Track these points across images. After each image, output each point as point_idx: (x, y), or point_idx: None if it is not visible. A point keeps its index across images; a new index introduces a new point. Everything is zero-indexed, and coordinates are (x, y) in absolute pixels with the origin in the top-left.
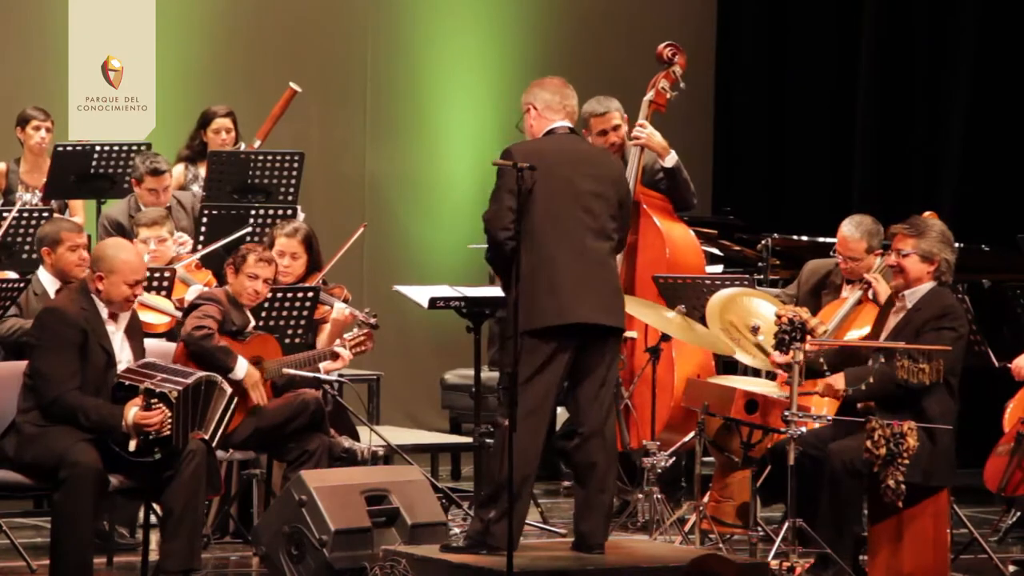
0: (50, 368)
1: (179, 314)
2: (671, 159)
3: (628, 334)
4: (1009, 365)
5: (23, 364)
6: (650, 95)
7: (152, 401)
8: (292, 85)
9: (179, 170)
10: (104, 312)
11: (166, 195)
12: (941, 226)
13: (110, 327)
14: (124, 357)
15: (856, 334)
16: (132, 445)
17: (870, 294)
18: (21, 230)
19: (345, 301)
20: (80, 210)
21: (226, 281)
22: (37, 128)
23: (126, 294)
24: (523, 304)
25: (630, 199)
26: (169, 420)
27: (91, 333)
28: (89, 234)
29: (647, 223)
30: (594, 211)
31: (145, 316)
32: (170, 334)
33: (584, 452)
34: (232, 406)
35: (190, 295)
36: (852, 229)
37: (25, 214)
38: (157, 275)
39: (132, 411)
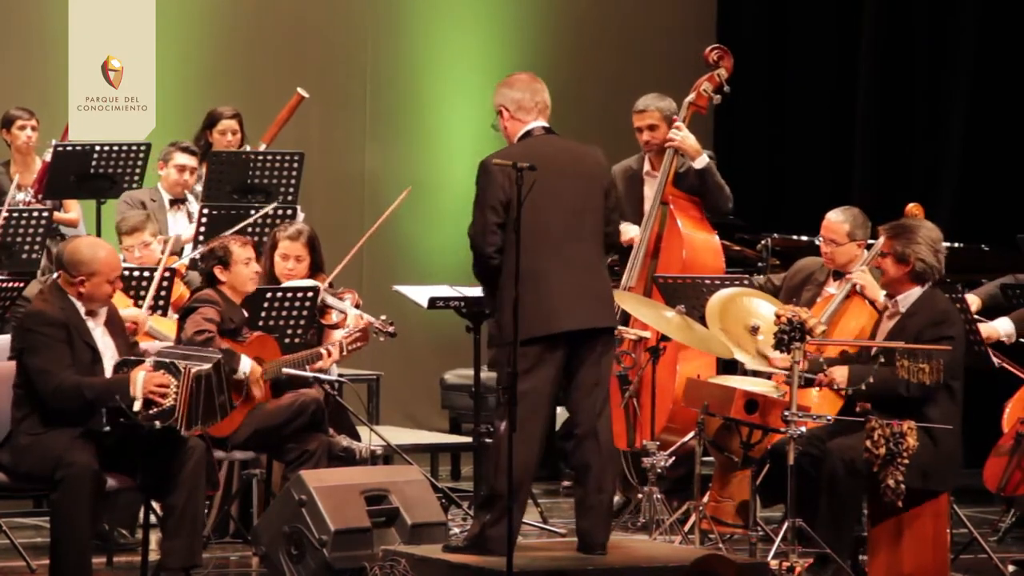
0: (44, 364)
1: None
2: (701, 161)
3: (642, 334)
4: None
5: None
6: (691, 96)
7: (159, 371)
8: (300, 91)
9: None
10: (82, 310)
11: (193, 177)
12: (927, 229)
13: (90, 323)
14: (108, 351)
15: (846, 329)
16: (137, 406)
17: (858, 289)
18: (20, 230)
19: (356, 306)
20: (75, 206)
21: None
22: (22, 128)
23: (108, 292)
24: (511, 313)
25: (614, 187)
26: (175, 387)
27: (73, 330)
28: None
29: (671, 225)
30: (579, 215)
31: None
32: None
33: (579, 454)
34: (224, 380)
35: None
36: (837, 213)
37: (24, 213)
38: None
39: (141, 374)
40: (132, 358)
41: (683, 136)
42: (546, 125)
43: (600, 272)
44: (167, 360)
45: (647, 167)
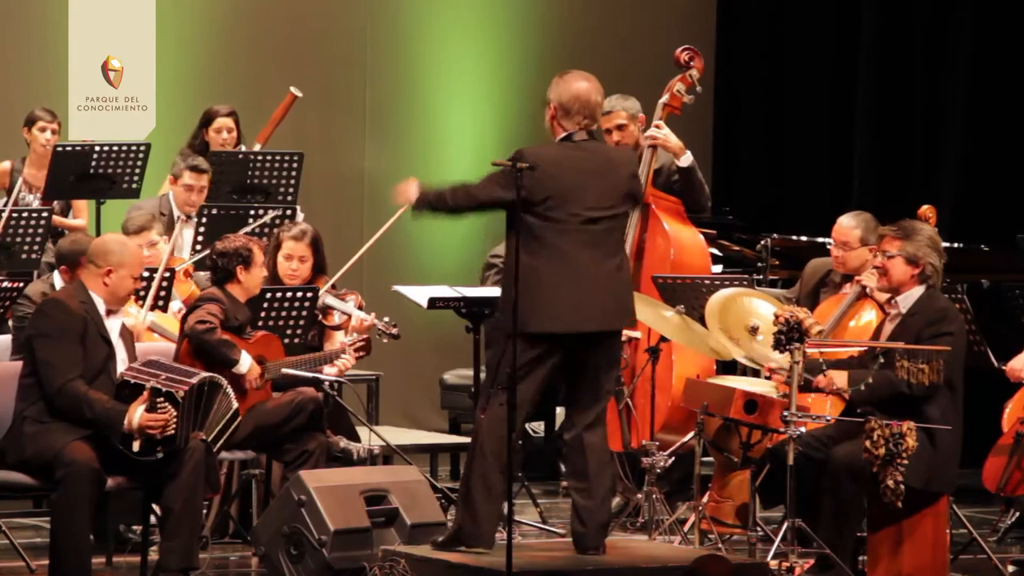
0: (53, 357)
1: None
2: (686, 159)
3: (632, 334)
4: (1004, 367)
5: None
6: (665, 98)
7: (158, 401)
8: (293, 90)
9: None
10: (102, 308)
11: (200, 196)
12: (930, 231)
13: (107, 321)
14: (120, 353)
15: (854, 331)
16: (136, 446)
17: (868, 292)
18: (20, 230)
19: (360, 308)
20: (84, 210)
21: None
22: (43, 129)
23: (131, 288)
24: (517, 306)
25: (641, 191)
26: (174, 420)
27: (91, 323)
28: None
29: (655, 225)
30: (598, 224)
31: (150, 342)
32: None
33: (570, 460)
34: (236, 420)
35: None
36: (849, 218)
37: (24, 214)
38: (156, 277)
39: (138, 412)
40: (132, 382)
41: (665, 134)
42: (591, 131)
43: (614, 279)
44: (163, 388)
45: None
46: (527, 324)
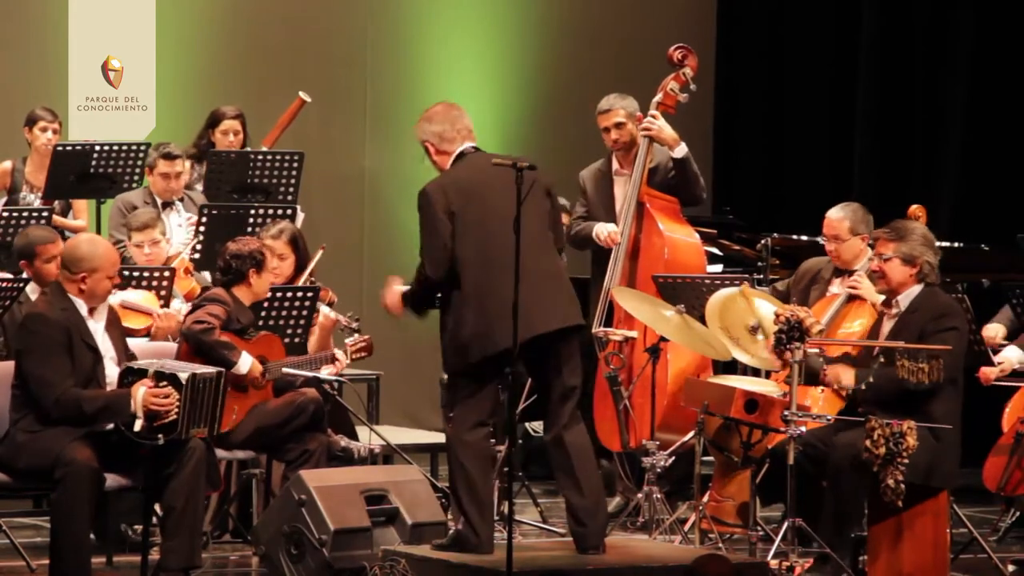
0: (44, 372)
1: (158, 310)
2: (681, 150)
3: (628, 334)
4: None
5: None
6: (659, 96)
7: (161, 384)
8: (302, 95)
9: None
10: (84, 309)
11: (178, 182)
12: (923, 229)
13: (91, 323)
14: (108, 353)
15: (847, 330)
16: (138, 425)
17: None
18: (20, 230)
19: (330, 304)
20: (84, 211)
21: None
22: (44, 129)
23: (108, 287)
24: (456, 338)
25: (552, 188)
26: (177, 402)
27: (74, 332)
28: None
29: (650, 224)
30: (522, 226)
31: (125, 321)
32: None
33: (556, 459)
34: (223, 388)
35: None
36: (837, 210)
37: (25, 213)
38: (156, 275)
39: (141, 390)
40: (135, 367)
41: (660, 125)
42: (474, 144)
43: (554, 277)
44: (168, 371)
45: (615, 166)
46: (470, 353)
